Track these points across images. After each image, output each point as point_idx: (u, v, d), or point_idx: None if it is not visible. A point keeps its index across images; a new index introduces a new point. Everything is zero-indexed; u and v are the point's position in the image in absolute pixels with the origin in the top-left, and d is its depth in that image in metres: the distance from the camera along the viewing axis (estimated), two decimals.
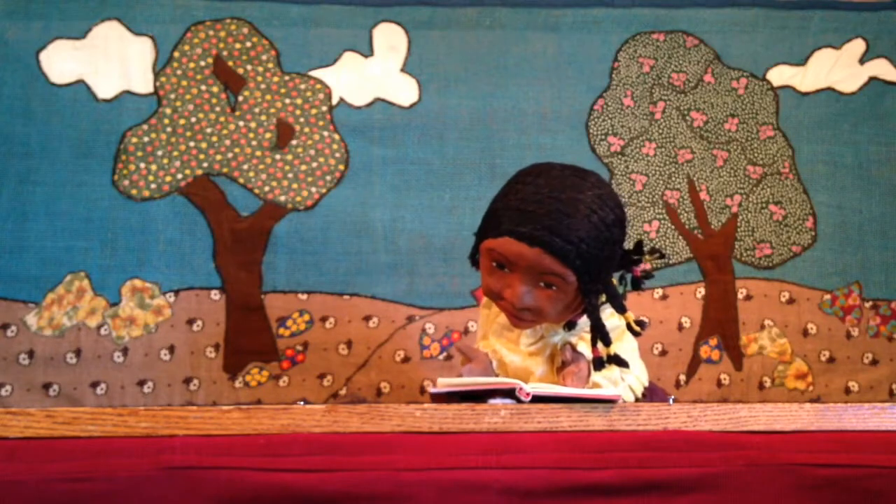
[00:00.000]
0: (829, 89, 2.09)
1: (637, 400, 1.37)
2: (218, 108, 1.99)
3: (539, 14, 2.06)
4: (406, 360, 1.96)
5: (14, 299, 1.88)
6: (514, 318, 1.31)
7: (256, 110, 1.99)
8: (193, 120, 1.97)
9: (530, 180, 1.27)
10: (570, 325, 1.34)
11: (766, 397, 1.98)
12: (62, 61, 1.95)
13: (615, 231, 1.26)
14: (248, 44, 2.01)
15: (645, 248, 1.35)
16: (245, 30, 2.01)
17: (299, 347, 1.94)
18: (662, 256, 1.45)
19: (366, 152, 2.00)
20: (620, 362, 1.29)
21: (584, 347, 1.31)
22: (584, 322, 1.32)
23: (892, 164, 2.07)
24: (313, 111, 2.00)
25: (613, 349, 1.28)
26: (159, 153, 1.95)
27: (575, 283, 1.25)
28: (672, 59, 2.08)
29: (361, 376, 1.94)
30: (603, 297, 1.30)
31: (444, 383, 1.19)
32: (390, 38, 2.04)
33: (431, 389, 1.17)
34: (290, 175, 1.97)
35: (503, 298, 1.28)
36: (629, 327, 1.31)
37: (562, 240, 1.21)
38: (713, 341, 2.00)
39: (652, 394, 1.43)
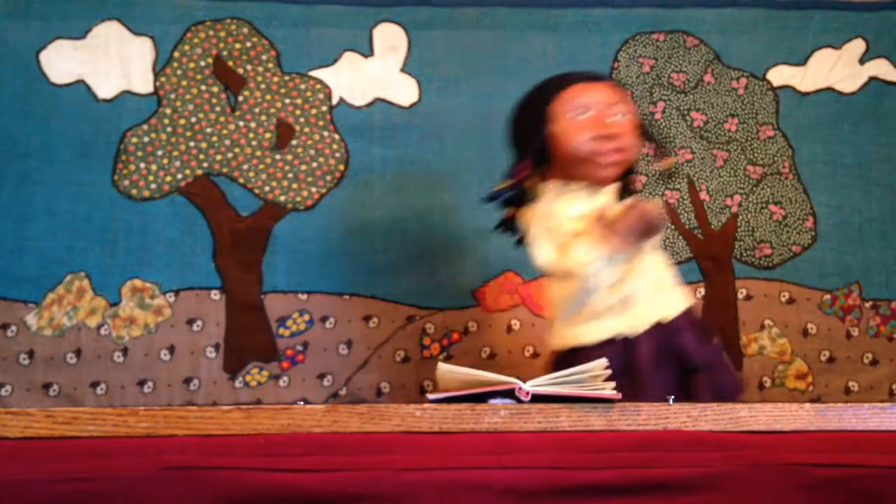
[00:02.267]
0: (829, 89, 2.09)
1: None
2: (218, 108, 1.98)
3: (539, 14, 2.06)
4: (406, 360, 1.96)
5: (14, 299, 1.88)
6: (605, 161, 1.44)
7: (256, 110, 1.99)
8: (193, 120, 1.97)
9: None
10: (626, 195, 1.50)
11: (766, 397, 1.98)
12: (62, 61, 1.95)
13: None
14: (248, 44, 2.01)
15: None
16: (245, 30, 2.01)
17: (299, 347, 1.94)
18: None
19: (366, 152, 2.00)
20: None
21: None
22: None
23: (892, 164, 2.07)
24: (313, 111, 2.00)
25: None
26: (159, 153, 1.95)
27: (634, 119, 1.48)
28: (672, 59, 2.08)
29: (361, 376, 1.94)
30: None
31: (444, 370, 1.19)
32: (390, 38, 2.03)
33: (430, 397, 1.17)
34: (290, 175, 1.97)
35: (593, 133, 1.42)
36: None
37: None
38: (713, 341, 2.00)
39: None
